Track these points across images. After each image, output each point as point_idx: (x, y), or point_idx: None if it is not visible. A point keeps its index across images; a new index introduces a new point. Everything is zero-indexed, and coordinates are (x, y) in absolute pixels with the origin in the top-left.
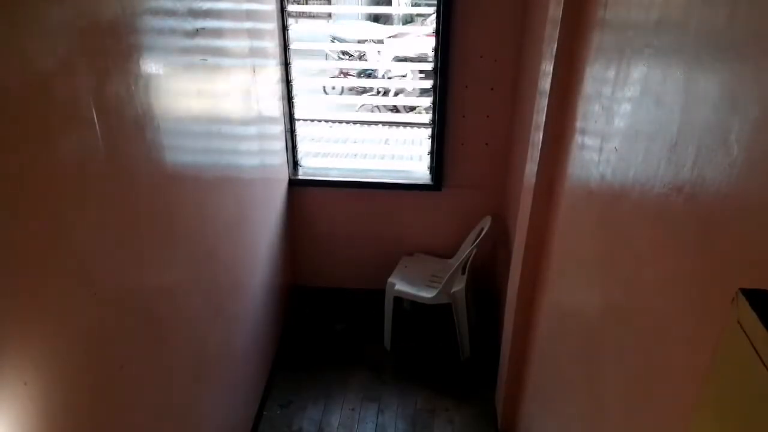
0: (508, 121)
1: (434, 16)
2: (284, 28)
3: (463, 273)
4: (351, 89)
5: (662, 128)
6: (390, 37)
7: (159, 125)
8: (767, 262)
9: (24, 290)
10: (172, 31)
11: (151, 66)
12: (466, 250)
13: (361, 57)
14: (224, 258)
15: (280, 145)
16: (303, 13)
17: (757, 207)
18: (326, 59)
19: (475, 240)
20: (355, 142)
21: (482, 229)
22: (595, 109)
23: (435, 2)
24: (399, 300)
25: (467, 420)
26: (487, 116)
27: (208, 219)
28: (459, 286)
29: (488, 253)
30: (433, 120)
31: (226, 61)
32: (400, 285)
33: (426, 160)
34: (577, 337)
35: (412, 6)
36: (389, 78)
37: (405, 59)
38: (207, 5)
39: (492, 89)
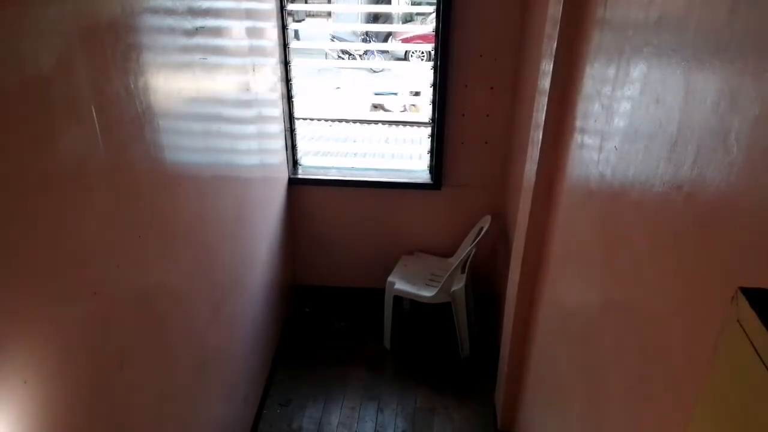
0: (507, 120)
1: (434, 15)
2: (284, 27)
3: (463, 272)
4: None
5: (662, 127)
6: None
7: (158, 124)
8: (767, 261)
9: (24, 289)
10: (172, 30)
11: (151, 65)
12: (466, 248)
13: None
14: (224, 257)
15: (279, 144)
16: (303, 11)
17: (757, 206)
18: (326, 58)
19: (475, 239)
20: (354, 141)
21: (482, 228)
22: (594, 108)
23: (435, 1)
24: (399, 299)
25: (467, 419)
26: (487, 115)
27: (208, 218)
28: (459, 285)
29: (488, 252)
30: (433, 119)
31: (225, 60)
32: (399, 284)
33: (426, 159)
34: (577, 336)
35: (411, 5)
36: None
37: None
38: (206, 4)
39: (492, 88)
